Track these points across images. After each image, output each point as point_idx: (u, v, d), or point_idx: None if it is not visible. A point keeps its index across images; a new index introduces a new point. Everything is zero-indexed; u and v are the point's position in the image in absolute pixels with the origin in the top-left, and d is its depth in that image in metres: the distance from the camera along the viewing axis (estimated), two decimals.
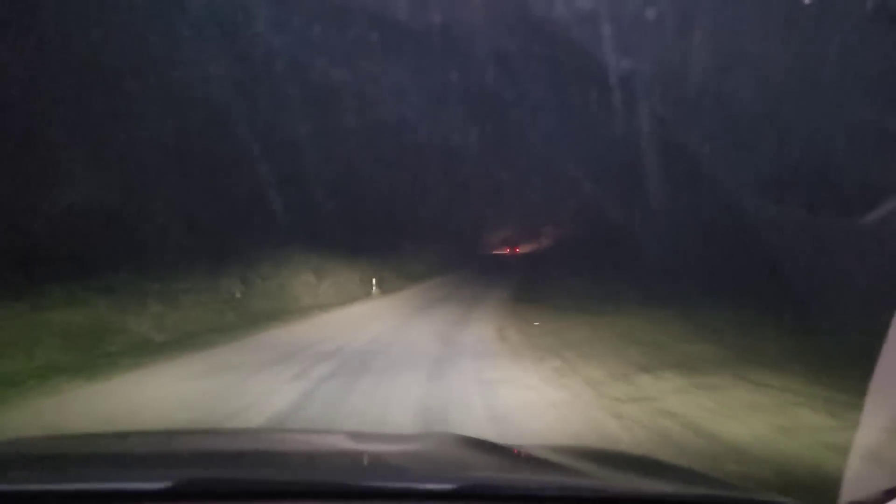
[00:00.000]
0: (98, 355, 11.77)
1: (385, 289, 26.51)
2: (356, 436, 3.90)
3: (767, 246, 14.67)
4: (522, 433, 6.48)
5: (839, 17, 13.63)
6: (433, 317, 18.25)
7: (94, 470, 2.18)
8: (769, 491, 3.49)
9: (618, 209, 21.49)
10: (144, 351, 12.43)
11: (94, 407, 8.19)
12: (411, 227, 37.90)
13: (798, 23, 14.11)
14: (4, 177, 13.96)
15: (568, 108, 22.56)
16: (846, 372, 6.91)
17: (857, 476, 2.68)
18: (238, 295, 19.32)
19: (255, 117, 21.53)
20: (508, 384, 8.93)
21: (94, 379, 9.63)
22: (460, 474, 2.25)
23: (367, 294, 25.16)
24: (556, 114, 22.41)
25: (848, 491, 2.53)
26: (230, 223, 20.78)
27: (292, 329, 16.46)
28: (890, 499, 1.93)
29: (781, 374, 8.69)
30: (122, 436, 3.53)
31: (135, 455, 2.56)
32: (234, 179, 21.55)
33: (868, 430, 2.70)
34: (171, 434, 3.89)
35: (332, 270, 25.52)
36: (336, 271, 25.67)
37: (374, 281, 25.94)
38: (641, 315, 15.69)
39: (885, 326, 2.46)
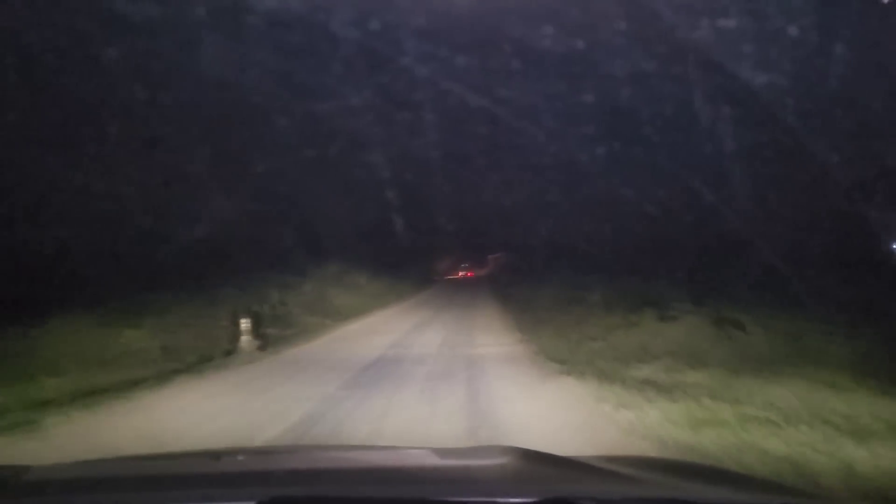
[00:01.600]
0: None
1: (276, 341, 14.60)
2: (427, 451, 3.73)
3: None
4: None
5: None
6: None
7: (185, 490, 2.30)
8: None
9: (730, 218, 18.79)
10: None
11: None
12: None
13: None
14: (146, 212, 17.24)
15: (699, 123, 21.01)
16: None
17: None
18: None
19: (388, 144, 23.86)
20: None
21: None
22: (541, 487, 2.23)
23: (228, 355, 12.53)
24: (685, 129, 20.83)
25: None
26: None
27: None
28: None
29: None
30: (205, 455, 3.60)
31: (220, 475, 2.65)
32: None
33: None
34: (252, 452, 4.17)
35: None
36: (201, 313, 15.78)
37: (242, 326, 13.05)
38: None
39: None
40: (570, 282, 23.29)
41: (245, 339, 13.11)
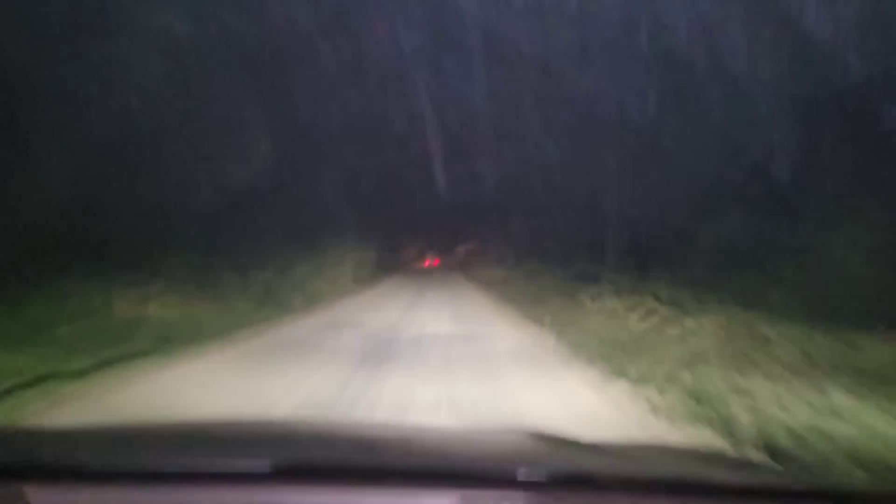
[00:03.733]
0: None
1: None
2: (445, 428, 3.78)
3: None
4: None
5: None
6: None
7: (196, 451, 2.25)
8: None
9: None
10: None
11: None
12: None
13: None
14: None
15: None
16: None
17: None
18: None
19: None
20: None
21: None
22: (560, 464, 2.20)
23: None
24: None
25: None
26: None
27: None
28: None
29: None
30: (222, 422, 3.59)
31: (236, 439, 2.61)
32: None
33: None
34: (268, 421, 4.28)
35: None
36: None
37: None
38: None
39: None
40: None
41: None
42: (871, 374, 7.05)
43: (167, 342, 11.31)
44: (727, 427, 5.77)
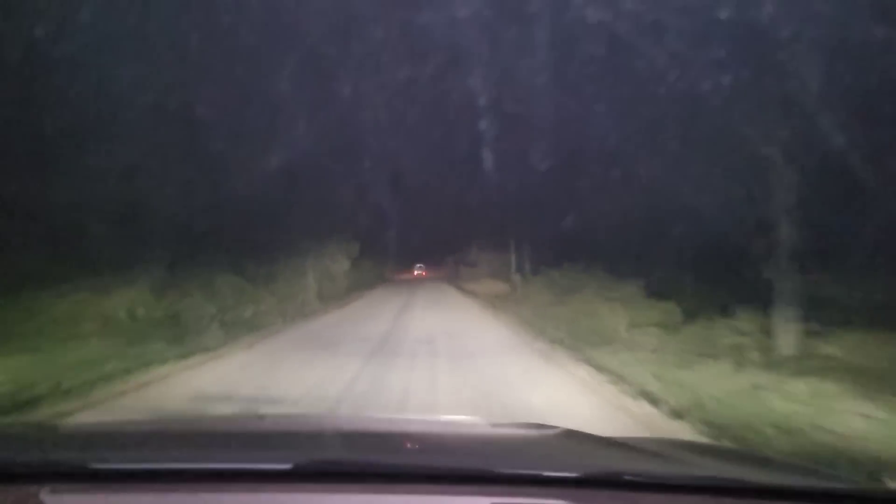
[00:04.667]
0: None
1: None
2: (470, 423, 3.51)
3: None
4: None
5: None
6: None
7: (216, 451, 2.21)
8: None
9: None
10: None
11: None
12: None
13: None
14: None
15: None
16: None
17: None
18: None
19: None
20: None
21: None
22: (587, 462, 2.19)
23: None
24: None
25: None
26: None
27: None
28: None
29: None
30: (243, 418, 3.86)
31: (259, 436, 2.59)
32: None
33: None
34: (290, 417, 4.34)
35: None
36: None
37: None
38: None
39: None
40: None
41: None
42: None
43: None
44: None
